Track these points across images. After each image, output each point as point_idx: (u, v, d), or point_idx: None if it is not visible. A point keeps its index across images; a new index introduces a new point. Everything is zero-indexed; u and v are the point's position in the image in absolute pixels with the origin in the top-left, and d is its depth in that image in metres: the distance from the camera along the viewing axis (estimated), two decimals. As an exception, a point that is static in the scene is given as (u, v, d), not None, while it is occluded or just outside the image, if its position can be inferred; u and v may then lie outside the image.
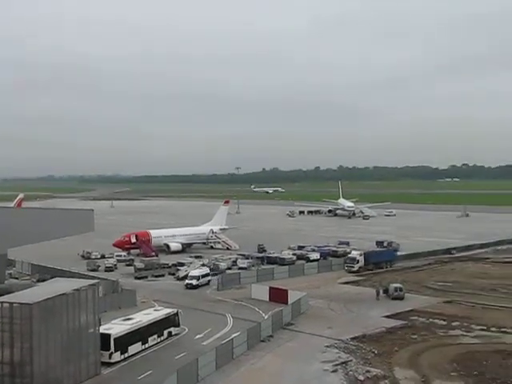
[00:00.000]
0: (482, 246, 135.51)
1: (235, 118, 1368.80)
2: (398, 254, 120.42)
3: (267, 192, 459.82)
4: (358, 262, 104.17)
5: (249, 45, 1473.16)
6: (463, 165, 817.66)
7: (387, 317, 71.32)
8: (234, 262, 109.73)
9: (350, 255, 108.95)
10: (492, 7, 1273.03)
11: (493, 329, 65.80)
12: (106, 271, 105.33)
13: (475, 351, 57.50)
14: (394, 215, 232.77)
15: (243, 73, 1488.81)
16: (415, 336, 63.24)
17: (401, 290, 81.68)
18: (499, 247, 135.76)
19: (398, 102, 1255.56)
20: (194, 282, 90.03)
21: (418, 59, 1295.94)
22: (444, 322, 68.85)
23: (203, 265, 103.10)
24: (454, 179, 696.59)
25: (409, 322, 69.14)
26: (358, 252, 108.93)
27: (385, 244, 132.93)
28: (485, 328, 66.05)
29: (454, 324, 67.99)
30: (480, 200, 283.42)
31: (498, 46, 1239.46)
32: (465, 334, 64.43)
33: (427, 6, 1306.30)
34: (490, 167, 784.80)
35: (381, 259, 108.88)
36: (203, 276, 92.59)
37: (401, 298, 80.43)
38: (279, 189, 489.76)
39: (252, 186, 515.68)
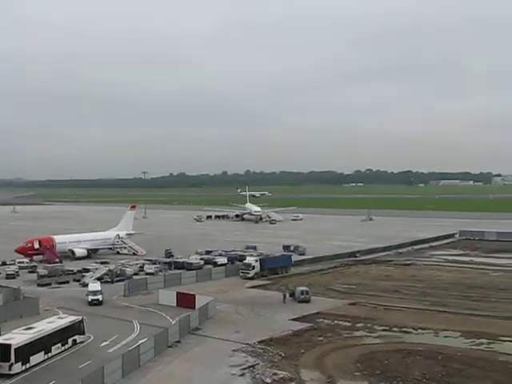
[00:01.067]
0: (384, 248, 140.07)
1: (142, 121, 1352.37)
2: (305, 257, 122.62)
3: (254, 196, 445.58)
4: (253, 268, 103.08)
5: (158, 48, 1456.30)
6: (367, 170, 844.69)
7: (294, 320, 72.21)
8: (141, 268, 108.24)
9: (245, 261, 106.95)
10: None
11: (394, 329, 68.13)
12: (7, 278, 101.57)
13: (378, 351, 59.28)
14: (301, 219, 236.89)
15: (146, 77, 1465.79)
16: (321, 338, 64.39)
17: (307, 293, 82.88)
18: (401, 250, 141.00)
19: (303, 109, 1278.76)
20: (100, 297, 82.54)
21: (317, 68, 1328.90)
22: (348, 324, 70.60)
23: (98, 279, 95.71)
24: (359, 184, 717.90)
25: (315, 324, 70.36)
26: (254, 258, 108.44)
27: (291, 248, 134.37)
28: (387, 328, 68.27)
29: (357, 325, 69.83)
30: (383, 204, 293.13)
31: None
32: (368, 334, 66.30)
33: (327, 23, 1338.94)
34: (392, 172, 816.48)
35: (276, 265, 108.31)
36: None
37: (307, 301, 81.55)
38: (266, 192, 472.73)
39: (238, 190, 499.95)
